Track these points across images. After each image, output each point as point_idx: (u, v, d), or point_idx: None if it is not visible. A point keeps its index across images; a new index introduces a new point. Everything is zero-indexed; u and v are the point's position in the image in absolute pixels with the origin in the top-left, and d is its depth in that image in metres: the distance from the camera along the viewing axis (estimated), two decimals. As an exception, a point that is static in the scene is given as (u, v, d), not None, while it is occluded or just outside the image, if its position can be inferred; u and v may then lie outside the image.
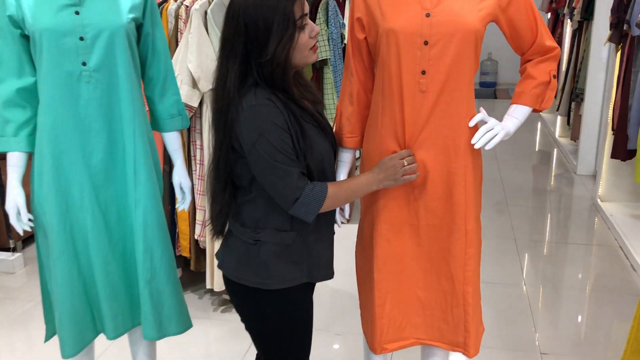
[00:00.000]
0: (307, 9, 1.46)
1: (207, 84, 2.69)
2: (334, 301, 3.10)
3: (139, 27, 1.82)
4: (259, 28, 1.39)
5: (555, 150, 6.01)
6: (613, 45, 4.13)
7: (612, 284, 3.24)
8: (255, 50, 1.40)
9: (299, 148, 1.45)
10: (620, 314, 2.94)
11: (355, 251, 1.89)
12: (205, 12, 2.69)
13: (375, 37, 1.67)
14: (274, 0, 1.39)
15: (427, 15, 1.59)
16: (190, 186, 2.02)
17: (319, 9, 4.74)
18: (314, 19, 4.84)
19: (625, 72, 3.77)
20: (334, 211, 1.62)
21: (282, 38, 1.39)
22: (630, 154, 3.73)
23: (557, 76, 1.72)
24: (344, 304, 3.05)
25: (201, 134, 2.83)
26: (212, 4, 2.70)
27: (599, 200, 4.30)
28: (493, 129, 1.64)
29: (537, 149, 6.19)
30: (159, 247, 1.84)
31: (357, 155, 3.41)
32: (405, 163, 1.61)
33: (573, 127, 5.35)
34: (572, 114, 5.38)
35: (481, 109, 1.69)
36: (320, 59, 4.82)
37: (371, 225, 1.75)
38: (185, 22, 2.73)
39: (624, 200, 4.23)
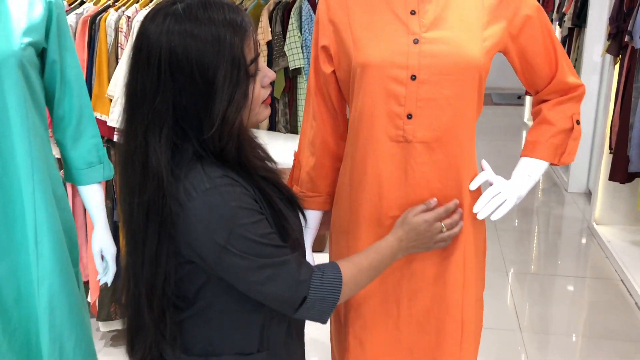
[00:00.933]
0: (259, 47, 1.06)
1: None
2: None
3: (42, 52, 1.41)
4: (195, 80, 0.97)
5: (543, 162, 5.68)
6: (610, 56, 3.80)
7: (615, 325, 2.90)
8: (191, 114, 0.99)
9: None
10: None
11: (330, 331, 1.50)
12: (150, 24, 2.29)
13: (346, 72, 1.29)
14: (214, 36, 0.97)
15: (415, 41, 1.21)
16: (114, 253, 1.60)
17: (292, 13, 4.35)
18: (285, 25, 4.46)
19: (625, 87, 3.43)
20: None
21: (232, 95, 0.98)
22: (631, 177, 3.41)
23: (580, 121, 1.35)
24: None
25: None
26: (159, 14, 2.29)
27: (594, 223, 3.97)
28: (500, 194, 1.27)
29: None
30: (71, 337, 1.44)
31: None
32: (444, 229, 1.23)
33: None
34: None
35: (484, 164, 1.32)
36: (294, 67, 4.46)
37: (345, 311, 1.36)
38: (127, 36, 2.32)
39: (622, 224, 3.91)
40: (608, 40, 3.67)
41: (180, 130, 1.00)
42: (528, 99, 6.70)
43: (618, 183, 3.73)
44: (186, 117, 0.99)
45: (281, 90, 4.72)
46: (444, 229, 1.23)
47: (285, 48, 4.56)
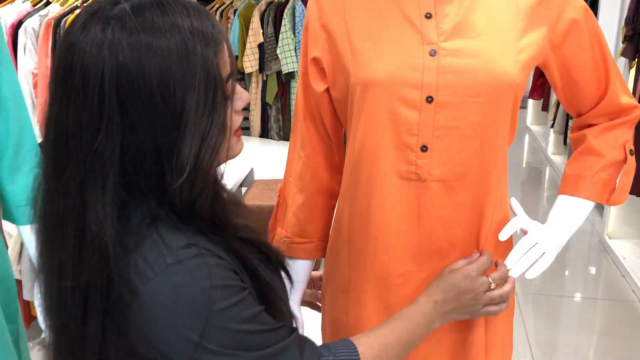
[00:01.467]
0: (234, 61, 0.79)
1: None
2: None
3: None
4: (155, 109, 0.71)
5: (548, 169, 5.44)
6: (625, 60, 3.57)
7: (632, 354, 2.65)
8: (148, 158, 0.73)
9: None
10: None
11: None
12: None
13: (343, 91, 1.03)
14: (181, 47, 0.71)
15: (432, 53, 0.96)
16: None
17: (284, 14, 4.10)
18: (278, 26, 4.21)
19: (643, 93, 3.20)
20: None
21: (208, 127, 0.73)
22: (649, 190, 3.16)
23: (634, 151, 1.09)
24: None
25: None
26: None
27: (607, 237, 3.73)
28: (538, 245, 1.02)
29: (524, 164, 5.62)
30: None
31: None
32: (493, 285, 0.96)
33: (571, 148, 4.78)
34: (569, 132, 4.81)
35: (514, 204, 1.06)
36: (287, 71, 4.21)
37: None
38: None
39: (637, 238, 3.66)
40: (623, 42, 3.45)
41: (131, 181, 0.73)
42: (531, 102, 6.46)
43: (634, 196, 3.50)
44: (140, 162, 0.72)
45: (274, 96, 4.48)
46: (493, 285, 0.96)
47: (278, 51, 4.31)
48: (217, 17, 4.38)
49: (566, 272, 3.52)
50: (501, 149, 1.00)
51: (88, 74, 0.69)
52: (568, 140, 4.86)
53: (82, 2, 2.18)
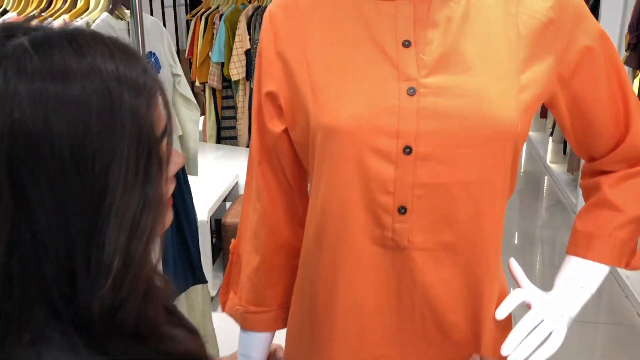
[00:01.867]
0: (170, 113, 0.61)
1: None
2: None
3: None
4: (64, 182, 0.52)
5: (546, 178, 5.26)
6: (629, 70, 3.41)
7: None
8: (52, 256, 0.53)
9: None
10: None
11: None
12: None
13: (304, 133, 0.85)
14: (103, 96, 0.53)
15: (411, 91, 0.78)
16: None
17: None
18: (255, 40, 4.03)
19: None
20: None
21: (141, 208, 0.55)
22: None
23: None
24: None
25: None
26: (92, 28, 1.86)
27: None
28: (544, 322, 0.83)
29: (522, 172, 5.44)
30: None
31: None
32: None
33: (570, 157, 4.61)
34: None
35: (514, 266, 0.88)
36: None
37: None
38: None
39: (640, 257, 3.48)
40: (627, 50, 3.30)
41: (20, 284, 0.54)
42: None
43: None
44: (38, 261, 0.53)
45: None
46: None
47: (263, 59, 4.16)
48: (203, 22, 4.21)
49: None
50: (498, 209, 0.82)
51: None
52: (568, 149, 4.69)
53: (41, 11, 1.99)
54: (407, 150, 0.79)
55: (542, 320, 0.84)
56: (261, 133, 0.92)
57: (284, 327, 0.98)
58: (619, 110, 0.88)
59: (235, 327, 1.01)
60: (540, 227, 4.22)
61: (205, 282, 2.45)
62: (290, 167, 0.92)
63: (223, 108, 4.31)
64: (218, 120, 4.32)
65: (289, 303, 0.97)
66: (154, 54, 2.13)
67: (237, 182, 3.51)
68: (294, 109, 0.87)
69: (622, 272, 3.33)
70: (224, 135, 4.33)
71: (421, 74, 0.79)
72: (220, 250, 3.53)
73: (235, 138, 4.35)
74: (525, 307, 0.88)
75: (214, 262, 3.24)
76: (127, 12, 1.97)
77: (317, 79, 0.83)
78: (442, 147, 0.78)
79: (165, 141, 0.58)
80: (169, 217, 0.63)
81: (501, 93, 0.78)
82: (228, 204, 3.46)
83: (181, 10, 5.58)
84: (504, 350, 0.81)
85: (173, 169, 0.61)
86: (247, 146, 4.45)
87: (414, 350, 0.84)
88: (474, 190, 0.80)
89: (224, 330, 2.60)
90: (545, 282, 3.05)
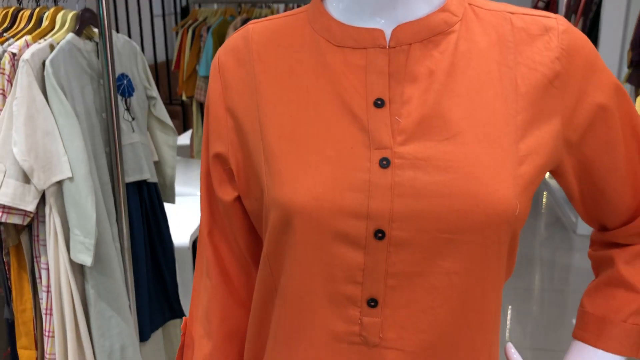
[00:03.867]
0: None
1: (45, 175, 1.76)
2: None
3: None
4: None
5: (545, 194, 5.13)
6: (632, 87, 3.30)
7: None
8: None
9: None
10: None
11: None
12: (43, 64, 1.75)
13: (260, 204, 0.71)
14: None
15: (384, 163, 0.65)
16: None
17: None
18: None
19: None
20: None
21: None
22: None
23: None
24: None
25: (46, 246, 1.89)
26: (56, 50, 1.74)
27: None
28: None
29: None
30: None
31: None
32: None
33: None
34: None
35: (510, 352, 0.74)
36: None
37: None
38: (10, 80, 1.75)
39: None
40: (629, 67, 3.17)
41: None
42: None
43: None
44: None
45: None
46: None
47: (251, 72, 4.02)
48: (190, 34, 4.09)
49: (564, 322, 3.20)
50: (492, 301, 0.69)
51: None
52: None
53: (3, 31, 1.87)
54: (379, 234, 0.65)
55: None
56: (210, 199, 0.78)
57: None
58: (638, 177, 0.75)
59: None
60: (538, 251, 4.08)
61: (183, 315, 2.32)
62: (245, 239, 0.79)
63: (211, 123, 4.19)
64: (205, 136, 4.20)
65: None
66: (127, 76, 2.00)
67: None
68: (248, 175, 0.73)
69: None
70: (212, 150, 4.22)
71: (397, 141, 0.65)
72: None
73: (223, 153, 4.22)
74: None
75: (197, 287, 3.10)
76: (97, 30, 1.84)
77: (270, 144, 0.69)
78: (421, 232, 0.65)
79: None
80: None
81: (495, 166, 0.64)
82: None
83: (171, 19, 5.46)
84: None
85: None
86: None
87: None
88: (459, 282, 0.66)
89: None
90: (544, 306, 2.89)
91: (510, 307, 3.20)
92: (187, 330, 0.86)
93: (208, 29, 3.96)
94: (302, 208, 0.66)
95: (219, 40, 3.93)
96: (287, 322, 0.72)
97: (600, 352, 0.78)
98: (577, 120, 0.71)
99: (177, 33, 4.13)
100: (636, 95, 3.23)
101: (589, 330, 0.80)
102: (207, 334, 0.82)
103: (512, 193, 0.65)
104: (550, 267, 3.78)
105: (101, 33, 1.78)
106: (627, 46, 3.39)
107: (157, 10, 5.15)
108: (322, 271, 0.68)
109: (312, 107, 0.69)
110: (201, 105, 4.10)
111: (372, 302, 0.68)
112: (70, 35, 1.77)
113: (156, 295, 2.21)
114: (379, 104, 0.67)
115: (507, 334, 2.92)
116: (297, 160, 0.67)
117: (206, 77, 3.98)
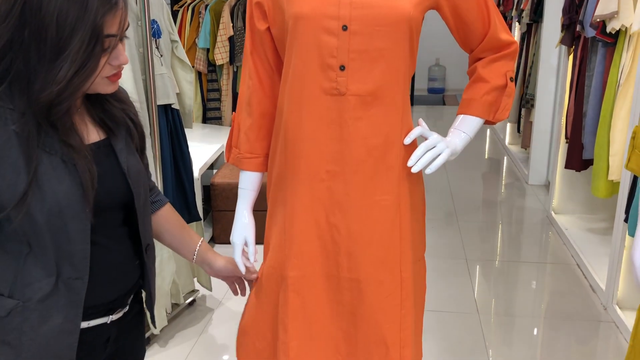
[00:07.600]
0: (125, 27, 1.02)
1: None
2: None
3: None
4: (48, 31, 0.94)
5: (506, 158, 5.77)
6: (565, 48, 3.88)
7: (571, 307, 2.95)
8: (33, 62, 0.96)
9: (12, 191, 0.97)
10: (580, 339, 2.64)
11: (248, 300, 1.46)
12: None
13: (281, 28, 1.29)
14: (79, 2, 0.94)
15: None
16: None
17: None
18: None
19: (579, 76, 3.50)
20: (80, 267, 1.05)
21: (84, 63, 0.96)
22: (586, 164, 3.47)
23: (514, 79, 1.36)
24: None
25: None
26: None
27: (552, 212, 4.04)
28: (435, 147, 1.27)
29: (486, 157, 5.94)
30: None
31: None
32: None
33: (523, 134, 5.11)
34: (522, 120, 5.14)
35: (420, 121, 1.32)
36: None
37: (277, 270, 1.35)
38: None
39: (579, 213, 3.97)
40: (562, 31, 3.73)
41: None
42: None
43: (575, 173, 3.81)
44: (27, 60, 0.96)
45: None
46: None
47: (246, 42, 4.53)
48: (189, 12, 4.57)
49: (518, 243, 3.82)
50: (404, 72, 1.27)
51: None
52: (521, 127, 5.17)
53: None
54: (345, 27, 1.22)
55: (434, 147, 1.29)
56: (252, 33, 1.36)
57: (267, 170, 1.42)
58: (484, 14, 1.32)
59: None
60: (499, 198, 4.72)
61: (200, 219, 2.83)
62: (272, 55, 1.36)
63: (208, 90, 4.62)
64: (204, 102, 4.64)
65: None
66: (156, 22, 2.48)
67: (222, 153, 3.88)
68: (274, 11, 1.30)
69: (562, 225, 3.81)
70: (209, 115, 4.65)
71: None
72: (208, 212, 3.90)
73: (220, 118, 4.68)
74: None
75: (204, 220, 3.60)
76: (135, -15, 2.35)
77: None
78: (366, 26, 1.21)
79: (109, 40, 0.98)
80: (110, 87, 1.05)
81: None
82: (215, 171, 3.85)
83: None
84: (409, 162, 1.26)
85: (116, 62, 1.02)
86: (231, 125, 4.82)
87: (350, 169, 1.27)
88: (386, 55, 1.23)
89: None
90: (504, 231, 3.53)
91: (477, 235, 3.83)
92: (234, 118, 1.43)
93: (206, 7, 4.49)
94: (306, 14, 1.21)
95: (216, 16, 4.46)
96: (298, 86, 1.25)
97: (468, 117, 1.35)
98: None
99: (177, 11, 4.64)
100: (569, 54, 3.82)
101: (462, 107, 1.37)
102: (249, 114, 1.38)
103: (409, 6, 1.21)
104: (508, 208, 4.45)
105: (139, -15, 2.29)
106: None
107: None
108: (316, 51, 1.23)
109: None
110: (200, 75, 4.61)
111: (342, 68, 1.23)
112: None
113: (178, 201, 2.71)
114: None
115: (474, 248, 3.51)
116: None
117: (204, 49, 4.49)
